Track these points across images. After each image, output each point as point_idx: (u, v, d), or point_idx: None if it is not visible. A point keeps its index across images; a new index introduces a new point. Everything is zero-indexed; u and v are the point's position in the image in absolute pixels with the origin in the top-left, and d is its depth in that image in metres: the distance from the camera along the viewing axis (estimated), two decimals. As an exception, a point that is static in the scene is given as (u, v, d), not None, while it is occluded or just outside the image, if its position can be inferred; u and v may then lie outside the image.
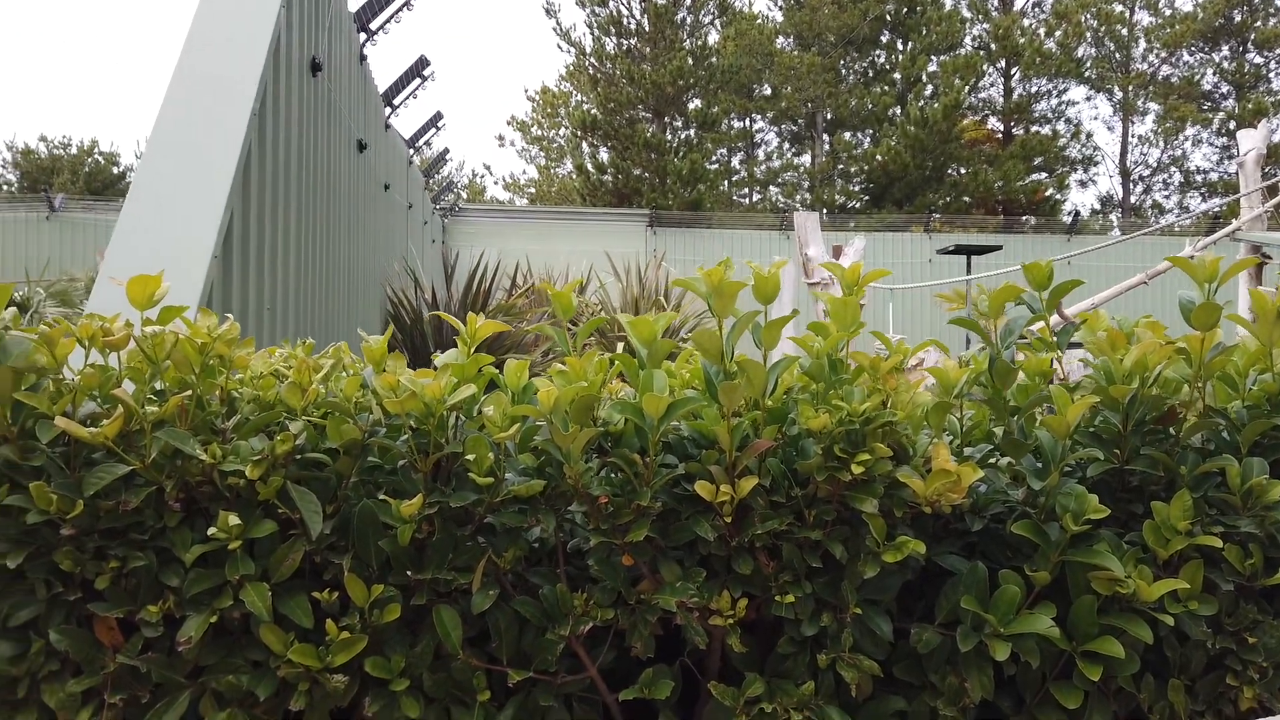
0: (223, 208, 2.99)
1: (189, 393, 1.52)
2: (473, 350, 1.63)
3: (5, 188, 33.90)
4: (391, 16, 7.89)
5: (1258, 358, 1.90)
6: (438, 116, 12.70)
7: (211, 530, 1.48)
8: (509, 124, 41.37)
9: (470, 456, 1.52)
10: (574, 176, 31.40)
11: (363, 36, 7.78)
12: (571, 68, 30.72)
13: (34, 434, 1.53)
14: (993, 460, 1.94)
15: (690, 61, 27.01)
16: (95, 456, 1.56)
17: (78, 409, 1.53)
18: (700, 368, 1.87)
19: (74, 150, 35.20)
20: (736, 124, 32.46)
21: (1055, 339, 1.92)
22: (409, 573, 1.54)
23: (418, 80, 10.22)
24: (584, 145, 29.52)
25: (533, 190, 37.91)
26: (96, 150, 35.43)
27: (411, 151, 12.77)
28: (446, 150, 16.53)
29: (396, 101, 10.16)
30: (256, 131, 3.47)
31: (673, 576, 1.61)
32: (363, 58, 7.78)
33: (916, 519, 1.72)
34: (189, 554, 1.48)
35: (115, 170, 35.23)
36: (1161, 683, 1.71)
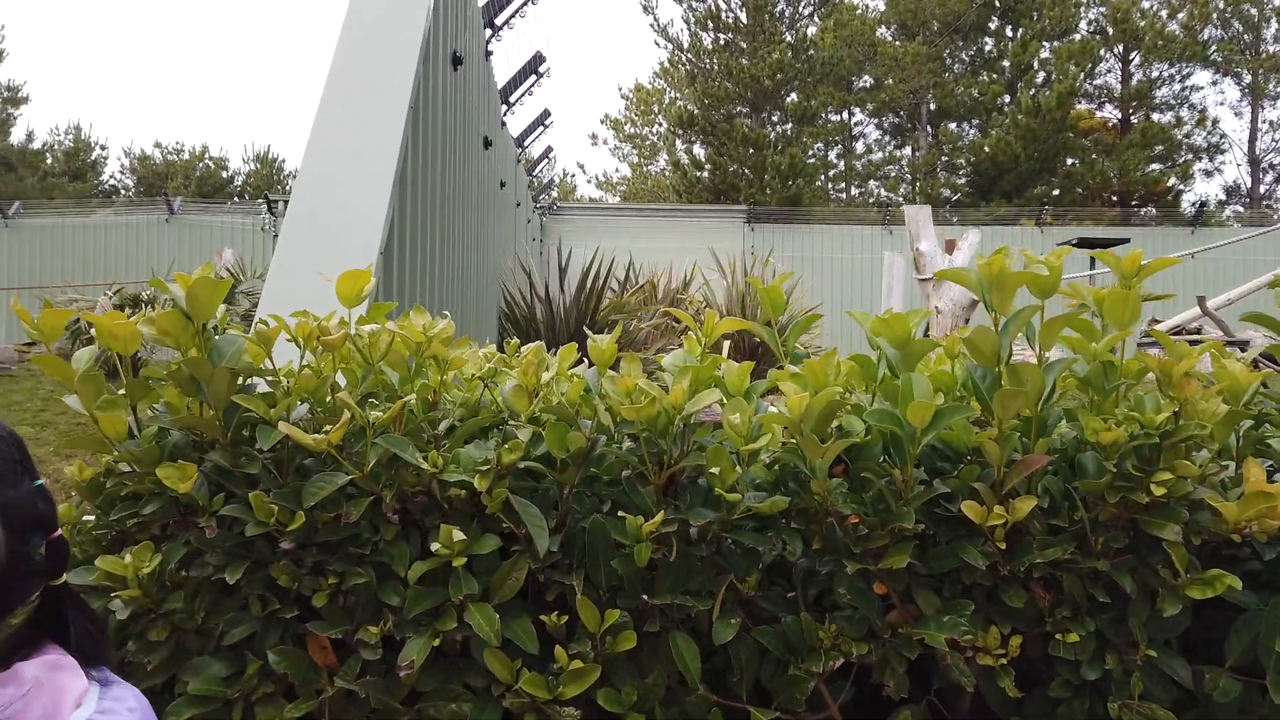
0: (388, 201, 2.92)
1: (411, 397, 1.41)
2: (705, 351, 1.48)
3: (124, 192, 35.62)
4: (516, 11, 7.86)
5: None
6: (545, 115, 12.70)
7: (435, 546, 1.36)
8: (602, 122, 41.52)
9: (713, 469, 1.36)
10: (668, 174, 31.28)
11: (487, 32, 7.77)
12: (667, 64, 30.60)
13: (246, 439, 1.44)
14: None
15: (789, 54, 26.54)
16: (307, 464, 1.46)
17: (290, 413, 1.43)
18: (939, 371, 1.68)
19: (186, 156, 36.76)
20: (835, 117, 31.79)
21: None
22: (644, 596, 1.39)
23: (533, 78, 10.19)
24: (679, 142, 29.34)
25: (625, 188, 37.91)
26: (207, 156, 36.91)
27: (519, 150, 12.81)
28: (550, 149, 16.58)
29: (513, 99, 10.15)
30: (410, 126, 3.41)
31: (931, 608, 1.42)
32: (488, 53, 7.76)
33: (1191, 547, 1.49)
34: (412, 571, 1.37)
35: (224, 174, 36.65)
36: None
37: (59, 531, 0.85)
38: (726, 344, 2.61)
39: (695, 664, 1.39)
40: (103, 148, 36.11)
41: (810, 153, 29.67)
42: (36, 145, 34.14)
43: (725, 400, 1.47)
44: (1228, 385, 1.53)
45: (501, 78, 9.96)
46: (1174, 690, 1.44)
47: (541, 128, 13.06)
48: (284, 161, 36.11)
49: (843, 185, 33.44)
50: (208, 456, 1.43)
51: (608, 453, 1.49)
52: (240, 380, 1.47)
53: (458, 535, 1.35)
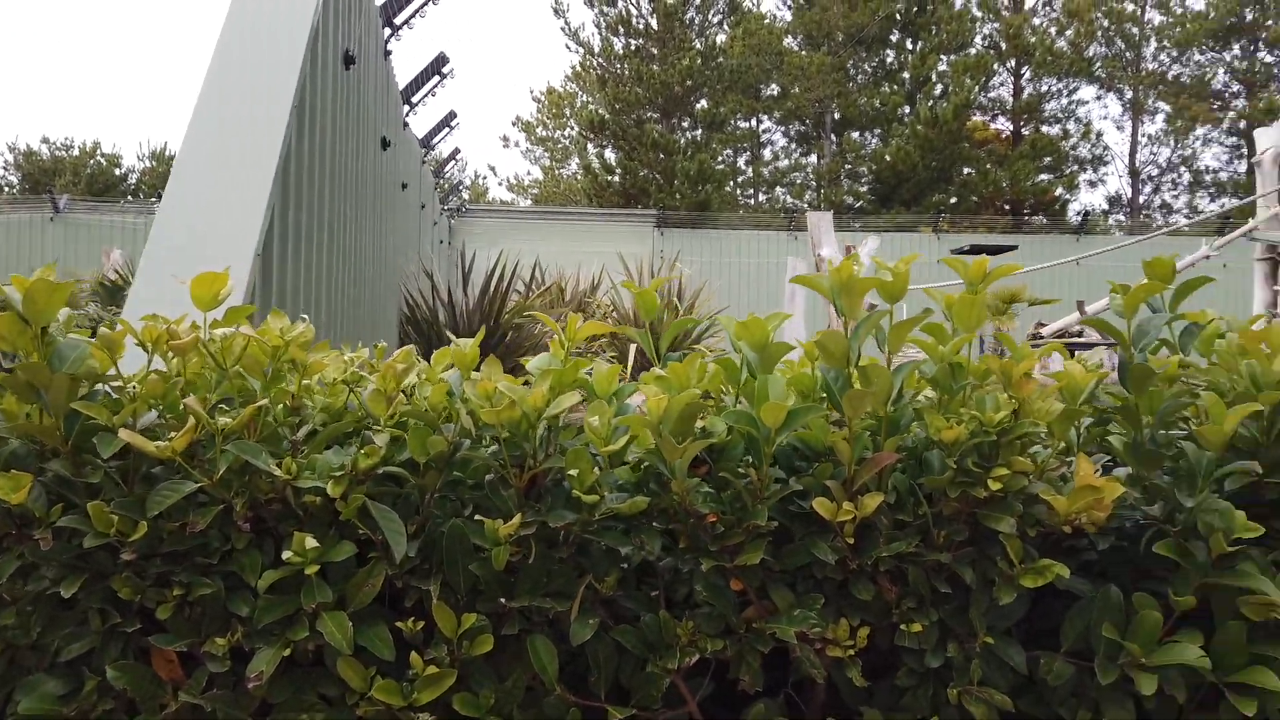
0: (265, 202, 2.84)
1: (264, 402, 1.38)
2: (568, 354, 1.49)
3: (7, 189, 33.80)
4: (416, 11, 7.73)
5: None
6: (451, 116, 12.55)
7: (286, 554, 1.34)
8: (514, 125, 41.26)
9: (572, 471, 1.38)
10: (579, 177, 31.30)
11: (387, 31, 7.63)
12: (578, 68, 30.61)
13: (88, 447, 1.39)
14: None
15: (699, 61, 26.87)
16: (155, 472, 1.41)
17: (137, 420, 1.39)
18: (800, 373, 1.73)
19: (76, 152, 35.07)
20: (743, 124, 32.32)
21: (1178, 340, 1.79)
22: (502, 599, 1.39)
23: (436, 78, 10.06)
24: (590, 146, 29.39)
25: (537, 191, 37.79)
26: (99, 152, 35.30)
27: (424, 151, 12.63)
28: (457, 150, 16.39)
29: (415, 100, 10.00)
30: (295, 125, 3.32)
31: (785, 603, 1.46)
32: (387, 53, 7.62)
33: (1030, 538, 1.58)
34: (262, 580, 1.34)
35: (117, 172, 35.11)
36: (1311, 716, 1.56)
37: None
38: (632, 347, 2.61)
39: (552, 665, 1.40)
40: (-18, 143, 34.15)
41: (720, 159, 30.12)
42: (-94, 138, 32.06)
43: (589, 402, 1.49)
44: (1065, 385, 1.62)
45: (405, 78, 9.81)
46: (1012, 676, 1.51)
47: (447, 129, 12.91)
48: (180, 159, 34.68)
49: (751, 191, 34.00)
50: (48, 466, 1.38)
51: (473, 457, 1.49)
52: (90, 386, 1.42)
53: (310, 542, 1.33)
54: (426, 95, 10.08)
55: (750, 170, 33.50)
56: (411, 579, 1.42)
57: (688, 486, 1.42)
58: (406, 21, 7.54)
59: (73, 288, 1.33)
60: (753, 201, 33.44)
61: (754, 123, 32.82)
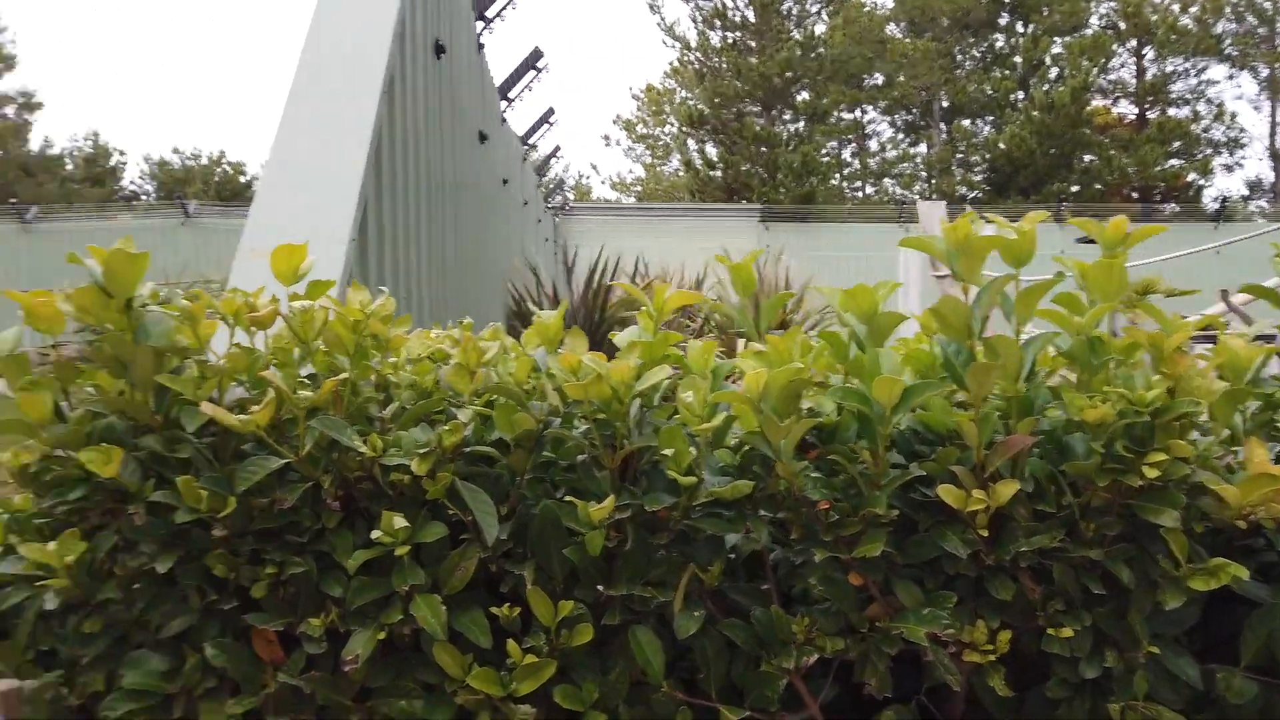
0: (358, 188, 2.83)
1: (343, 377, 1.33)
2: (658, 326, 1.39)
3: (143, 197, 35.92)
4: (507, 4, 7.74)
5: None
6: (550, 113, 12.61)
7: (375, 534, 1.28)
8: (614, 123, 41.53)
9: (667, 451, 1.27)
10: (681, 174, 31.21)
11: (479, 25, 7.68)
12: (676, 63, 30.52)
13: (179, 422, 1.36)
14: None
15: (798, 52, 26.41)
16: (245, 448, 1.38)
17: (224, 394, 1.36)
18: (916, 350, 1.58)
19: (204, 161, 37.09)
20: (846, 115, 31.61)
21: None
22: (599, 587, 1.30)
23: (532, 73, 10.11)
24: (691, 141, 29.26)
25: (639, 189, 37.88)
26: (224, 160, 37.26)
27: (525, 148, 12.74)
28: (558, 148, 16.50)
29: (511, 95, 10.08)
30: (386, 112, 3.32)
31: (912, 600, 1.32)
32: (480, 46, 7.68)
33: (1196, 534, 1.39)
34: (352, 560, 1.29)
35: (242, 179, 36.92)
36: None
37: None
38: (741, 342, 2.50)
39: (657, 660, 1.30)
40: (121, 153, 36.51)
41: (824, 151, 29.53)
42: (55, 151, 34.48)
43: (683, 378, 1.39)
44: (1226, 361, 1.43)
45: (500, 75, 9.88)
46: (1184, 691, 1.33)
47: (546, 125, 12.99)
48: (299, 165, 36.25)
49: (858, 183, 33.26)
50: (142, 442, 1.36)
51: (564, 436, 1.40)
52: (179, 360, 1.40)
53: (399, 522, 1.27)
54: (523, 90, 10.13)
55: (856, 162, 32.78)
56: (506, 563, 1.34)
57: (795, 470, 1.30)
58: (499, 14, 7.54)
59: (148, 258, 1.31)
60: (860, 194, 32.70)
61: (858, 113, 32.07)
